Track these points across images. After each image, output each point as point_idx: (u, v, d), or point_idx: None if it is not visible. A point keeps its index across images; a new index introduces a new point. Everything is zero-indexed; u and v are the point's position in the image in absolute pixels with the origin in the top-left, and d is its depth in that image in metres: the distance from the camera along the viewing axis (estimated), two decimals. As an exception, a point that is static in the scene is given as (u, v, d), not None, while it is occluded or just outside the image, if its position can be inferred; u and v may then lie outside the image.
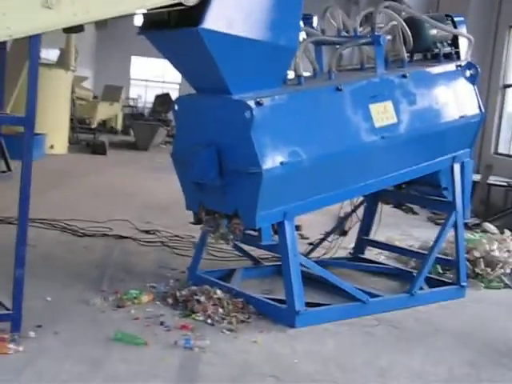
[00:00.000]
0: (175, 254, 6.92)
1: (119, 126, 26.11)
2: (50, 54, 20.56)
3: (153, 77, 37.60)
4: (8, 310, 4.16)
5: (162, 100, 28.83)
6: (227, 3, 4.48)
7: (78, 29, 4.06)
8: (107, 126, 25.38)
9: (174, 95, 32.90)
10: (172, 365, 4.04)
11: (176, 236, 7.65)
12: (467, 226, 9.70)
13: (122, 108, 27.19)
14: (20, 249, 4.06)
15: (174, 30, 4.60)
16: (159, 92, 32.72)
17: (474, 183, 12.07)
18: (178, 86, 36.39)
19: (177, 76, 36.32)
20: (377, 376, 4.17)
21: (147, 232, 7.81)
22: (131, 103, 33.37)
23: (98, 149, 17.17)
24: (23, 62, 10.98)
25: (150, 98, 34.34)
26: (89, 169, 13.91)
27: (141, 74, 37.17)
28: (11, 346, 3.94)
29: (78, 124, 19.98)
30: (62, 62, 16.73)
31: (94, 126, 21.60)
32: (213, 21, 4.40)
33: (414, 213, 11.26)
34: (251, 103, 4.67)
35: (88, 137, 19.93)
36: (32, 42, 3.86)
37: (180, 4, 4.34)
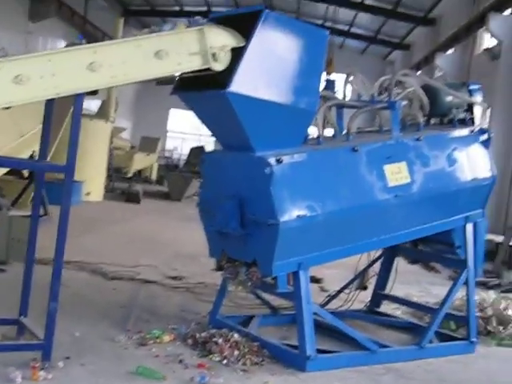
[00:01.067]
0: (199, 300, 7.26)
1: (154, 176, 26.86)
2: (91, 105, 21.45)
3: (190, 129, 38.59)
4: (40, 340, 4.54)
5: (197, 152, 29.50)
6: (252, 69, 4.92)
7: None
8: (142, 175, 26.12)
9: (209, 148, 33.72)
10: (187, 399, 4.37)
11: (201, 283, 8.01)
12: (486, 286, 9.94)
13: (158, 159, 27.97)
14: (54, 284, 4.47)
15: (204, 92, 5.05)
16: (195, 144, 33.54)
17: (497, 244, 12.34)
18: (213, 139, 37.26)
19: (213, 129, 37.29)
20: (378, 419, 4.43)
21: (174, 278, 8.19)
22: (167, 154, 34.26)
23: (132, 197, 17.76)
24: (65, 114, 11.63)
25: (186, 150, 35.24)
26: (122, 216, 14.43)
27: (178, 126, 38.22)
28: (41, 373, 4.31)
29: (114, 173, 20.68)
30: (102, 113, 17.50)
31: (129, 175, 22.32)
32: (239, 84, 4.83)
33: (436, 271, 11.46)
34: (272, 160, 5.08)
35: (123, 185, 20.59)
36: (77, 100, 4.34)
37: (209, 69, 4.80)
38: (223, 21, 5.04)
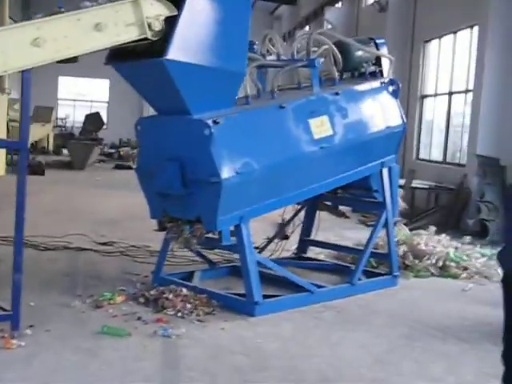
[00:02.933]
0: (135, 262, 7.51)
1: (51, 147, 26.31)
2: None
3: (80, 96, 37.79)
4: (6, 310, 4.70)
5: (93, 119, 29.09)
6: (186, 36, 5.16)
7: (72, 59, 4.69)
8: (38, 146, 25.52)
9: (103, 114, 33.24)
10: (156, 349, 4.69)
11: (132, 246, 8.25)
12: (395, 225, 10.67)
13: (53, 128, 27.37)
14: (17, 257, 4.65)
15: (140, 61, 5.25)
16: (87, 111, 32.92)
17: (400, 187, 13.14)
18: (106, 105, 36.69)
19: (104, 95, 36.64)
20: (329, 349, 4.92)
21: (105, 244, 8.37)
22: (60, 123, 33.47)
23: (35, 169, 17.41)
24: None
25: (78, 118, 34.53)
26: (31, 189, 14.10)
27: (68, 93, 37.33)
28: (14, 341, 4.50)
29: (12, 146, 20.13)
30: (-3, 85, 16.95)
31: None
32: (175, 52, 5.08)
33: (346, 217, 12.15)
34: (209, 122, 5.38)
35: (23, 158, 20.08)
36: (24, 76, 4.46)
37: (146, 38, 5.01)
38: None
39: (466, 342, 5.26)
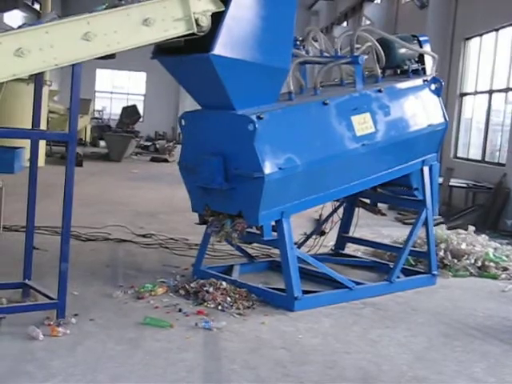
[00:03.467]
0: (174, 254, 7.60)
1: (88, 138, 26.61)
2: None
3: (117, 88, 38.21)
4: (52, 299, 4.80)
5: (129, 111, 29.33)
6: (232, 32, 5.21)
7: (110, 56, 4.75)
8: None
9: (140, 107, 33.51)
10: (197, 341, 4.74)
11: (171, 239, 8.34)
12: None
13: (90, 120, 27.69)
14: (64, 246, 4.74)
15: (186, 56, 5.31)
16: (124, 104, 33.22)
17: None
18: (142, 98, 37.02)
19: (141, 88, 36.94)
20: (369, 346, 4.93)
21: (144, 236, 8.48)
22: (96, 115, 33.84)
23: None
24: None
25: (115, 110, 34.89)
26: (70, 180, 14.40)
27: (105, 86, 37.77)
28: (60, 329, 4.60)
29: (50, 137, 20.39)
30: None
31: (65, 138, 22.05)
32: (221, 47, 5.12)
33: (383, 214, 12.11)
34: (253, 117, 5.41)
35: (61, 149, 20.39)
36: (75, 70, 4.54)
37: (193, 34, 5.06)
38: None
39: (507, 343, 5.23)
